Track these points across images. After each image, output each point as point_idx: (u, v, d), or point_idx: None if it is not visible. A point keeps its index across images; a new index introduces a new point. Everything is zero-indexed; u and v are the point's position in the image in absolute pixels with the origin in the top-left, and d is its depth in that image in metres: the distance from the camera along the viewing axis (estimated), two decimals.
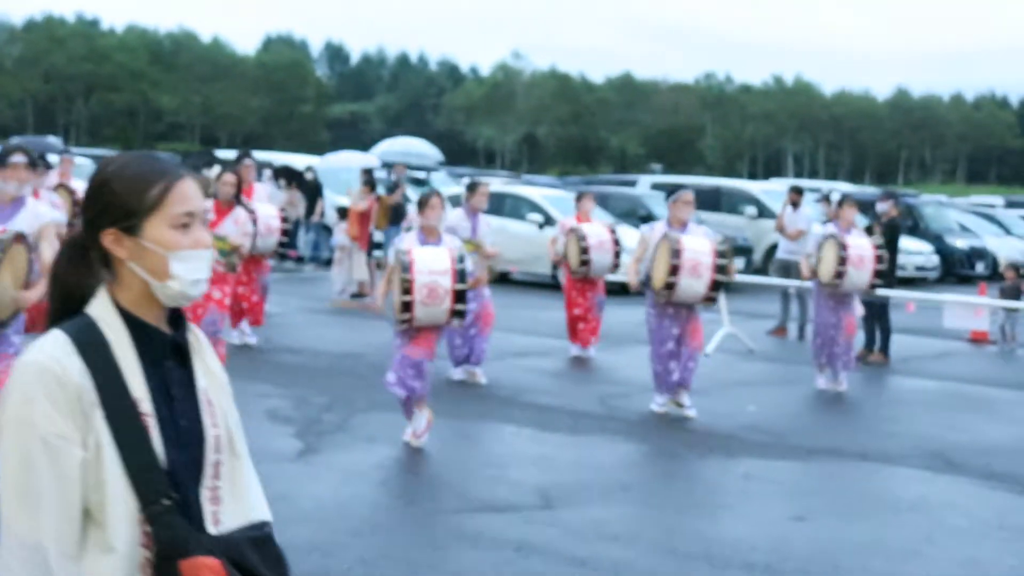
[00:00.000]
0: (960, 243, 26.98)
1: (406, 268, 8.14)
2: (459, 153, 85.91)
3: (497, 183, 25.34)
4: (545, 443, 9.11)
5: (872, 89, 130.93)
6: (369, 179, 18.06)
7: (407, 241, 8.60)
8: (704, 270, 9.65)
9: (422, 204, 8.74)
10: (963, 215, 30.07)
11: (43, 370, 2.12)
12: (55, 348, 2.15)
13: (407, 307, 8.12)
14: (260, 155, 27.69)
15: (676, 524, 7.09)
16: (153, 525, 2.12)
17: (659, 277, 9.79)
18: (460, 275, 8.24)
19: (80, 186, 17.11)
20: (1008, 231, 29.71)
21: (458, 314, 8.29)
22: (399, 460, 8.21)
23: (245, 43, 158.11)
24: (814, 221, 16.89)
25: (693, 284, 9.64)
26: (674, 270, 9.57)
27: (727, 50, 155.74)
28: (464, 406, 10.13)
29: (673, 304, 9.91)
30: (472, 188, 11.46)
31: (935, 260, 25.13)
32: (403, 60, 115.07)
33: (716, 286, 9.75)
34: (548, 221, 19.90)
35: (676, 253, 9.60)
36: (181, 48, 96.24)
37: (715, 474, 8.59)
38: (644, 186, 27.33)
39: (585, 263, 12.97)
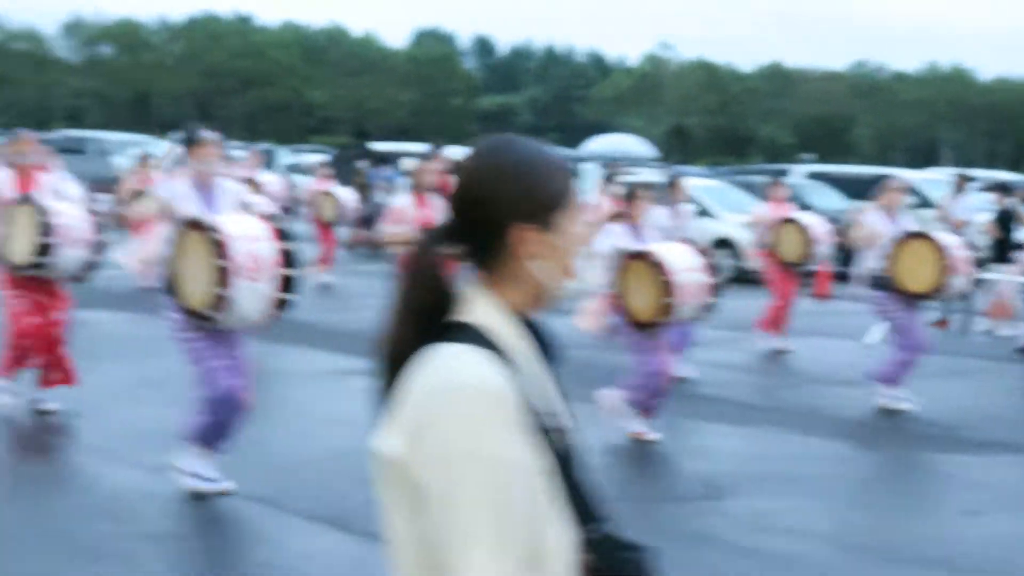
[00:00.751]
0: None
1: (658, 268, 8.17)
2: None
3: (646, 175, 25.21)
4: (710, 433, 9.05)
5: None
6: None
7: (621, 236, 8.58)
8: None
9: (630, 197, 8.74)
10: None
11: (484, 393, 1.75)
12: (481, 366, 1.79)
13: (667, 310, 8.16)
14: (411, 146, 28.10)
15: (846, 517, 6.97)
16: (595, 553, 1.90)
17: (921, 278, 9.52)
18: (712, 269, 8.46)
19: (271, 179, 17.45)
20: None
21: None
22: None
23: (395, 37, 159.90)
24: (977, 211, 16.49)
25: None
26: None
27: (879, 38, 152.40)
28: None
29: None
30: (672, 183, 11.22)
31: None
32: (550, 52, 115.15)
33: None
34: (704, 212, 19.60)
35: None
36: (333, 43, 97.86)
37: (885, 468, 8.44)
38: (798, 175, 26.90)
39: (807, 255, 12.61)
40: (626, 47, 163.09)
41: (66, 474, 7.37)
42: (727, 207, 20.23)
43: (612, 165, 17.88)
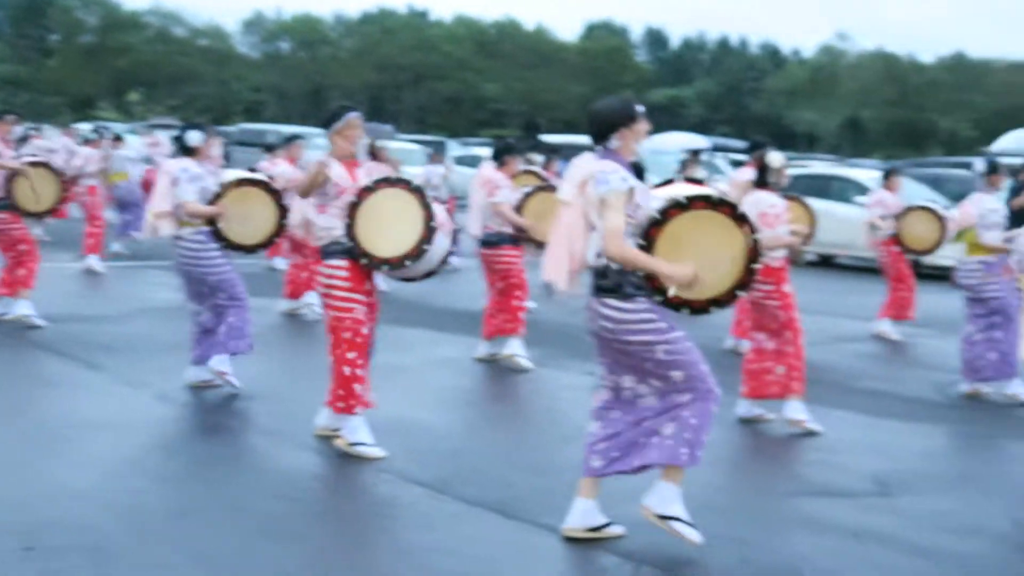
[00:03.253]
0: None
1: None
2: (778, 137, 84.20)
3: (819, 167, 24.85)
4: (879, 429, 8.85)
5: None
6: (686, 161, 17.91)
7: None
8: None
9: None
10: None
11: None
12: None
13: None
14: (581, 139, 28.15)
15: (1021, 516, 6.74)
16: None
17: None
18: None
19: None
20: None
21: None
22: (728, 441, 8.14)
23: (567, 30, 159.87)
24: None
25: None
26: None
27: None
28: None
29: None
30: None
31: None
32: (723, 44, 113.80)
33: None
34: None
35: None
36: (505, 37, 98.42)
37: (974, 458, 8.17)
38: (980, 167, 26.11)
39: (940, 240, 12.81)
40: (801, 38, 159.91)
41: (242, 455, 7.56)
42: (909, 198, 19.84)
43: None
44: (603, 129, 5.67)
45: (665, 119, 78.95)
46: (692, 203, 5.60)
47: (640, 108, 5.76)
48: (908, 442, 8.47)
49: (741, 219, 5.66)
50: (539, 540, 5.95)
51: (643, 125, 5.75)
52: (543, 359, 10.75)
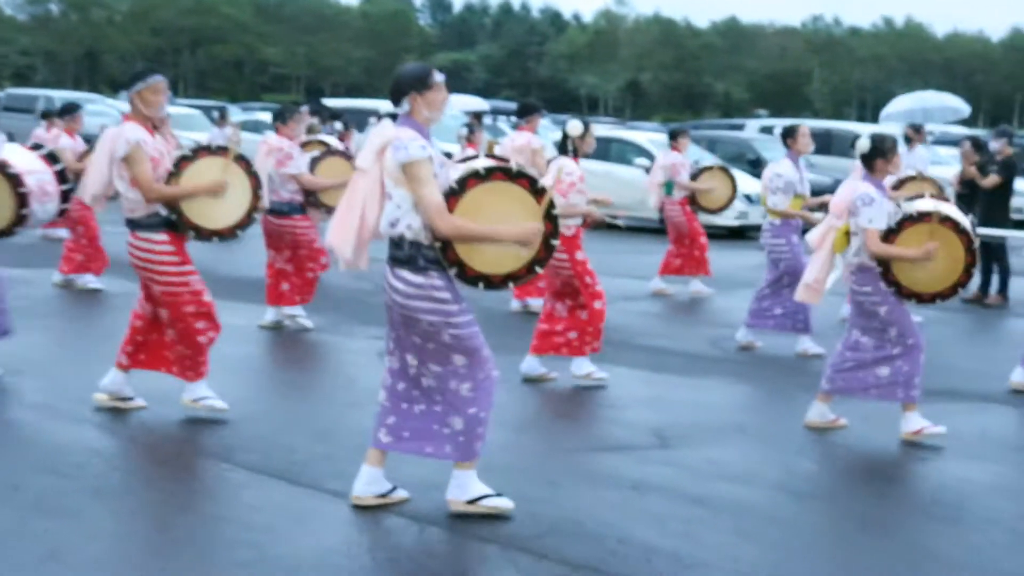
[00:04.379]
0: None
1: None
2: (561, 101, 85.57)
3: (601, 130, 25.25)
4: (659, 384, 9.08)
5: (986, 30, 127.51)
6: (471, 124, 17.97)
7: None
8: None
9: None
10: None
11: None
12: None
13: None
14: (366, 103, 27.99)
15: (793, 464, 7.01)
16: None
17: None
18: None
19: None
20: None
21: None
22: (515, 401, 8.22)
23: None
24: (929, 163, 16.55)
25: None
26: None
27: None
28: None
29: None
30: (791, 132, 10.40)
31: None
32: (505, 8, 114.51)
33: None
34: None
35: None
36: (286, 0, 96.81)
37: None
38: (752, 130, 27.00)
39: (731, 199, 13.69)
40: (581, 3, 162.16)
41: (13, 430, 7.28)
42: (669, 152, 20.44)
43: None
44: (395, 94, 5.57)
45: (450, 83, 78.79)
46: (491, 174, 5.54)
47: (438, 76, 5.63)
48: (686, 396, 8.71)
49: (539, 192, 5.58)
50: (324, 505, 5.92)
51: (437, 93, 5.61)
52: (330, 325, 10.68)
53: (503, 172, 5.57)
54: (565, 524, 5.75)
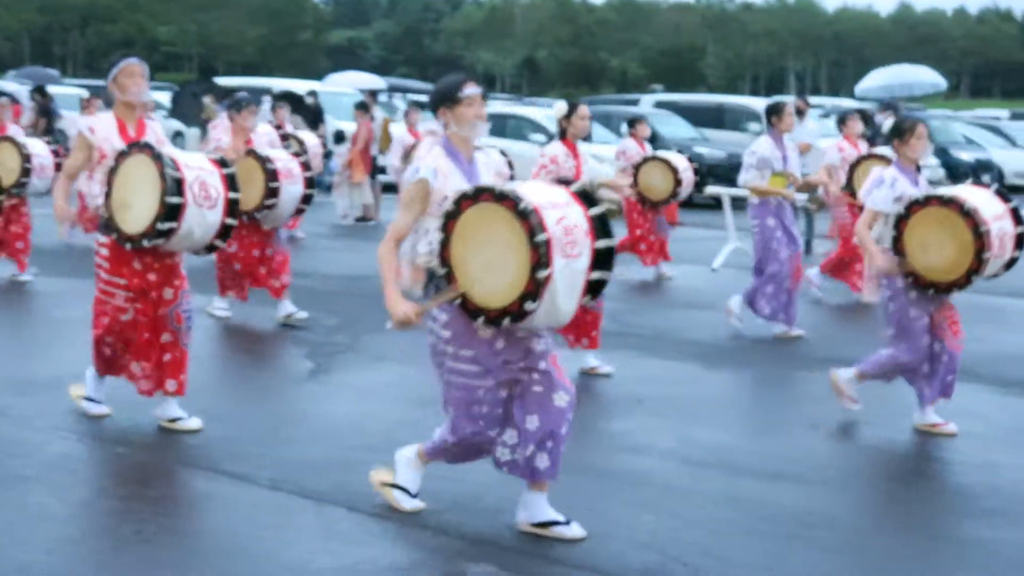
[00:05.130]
0: (965, 156, 26.82)
1: None
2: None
3: (498, 106, 25.26)
4: (561, 361, 9.06)
5: (875, 5, 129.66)
6: (364, 102, 17.88)
7: None
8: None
9: (903, 132, 7.22)
10: (968, 128, 29.85)
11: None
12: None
13: None
14: (259, 81, 27.61)
15: (689, 435, 7.05)
16: None
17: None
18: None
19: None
20: (1014, 143, 29.57)
21: None
22: (409, 377, 8.19)
23: None
24: (819, 136, 16.80)
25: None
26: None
27: None
28: None
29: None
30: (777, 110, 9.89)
31: (941, 173, 24.99)
32: None
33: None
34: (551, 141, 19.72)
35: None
36: None
37: (732, 387, 8.59)
38: (647, 105, 27.16)
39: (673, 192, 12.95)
40: None
41: None
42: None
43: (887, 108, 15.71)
44: (432, 110, 5.17)
45: (346, 60, 78.35)
46: (479, 195, 4.89)
47: (469, 89, 5.12)
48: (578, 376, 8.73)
49: (523, 215, 4.75)
50: (228, 489, 5.85)
51: (468, 108, 5.09)
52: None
53: (490, 193, 4.87)
54: (465, 500, 5.73)
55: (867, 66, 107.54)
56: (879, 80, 21.74)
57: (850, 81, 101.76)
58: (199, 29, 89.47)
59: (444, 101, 5.12)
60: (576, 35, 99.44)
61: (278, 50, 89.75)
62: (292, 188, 9.56)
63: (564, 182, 5.12)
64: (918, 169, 7.27)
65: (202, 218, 6.26)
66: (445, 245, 4.91)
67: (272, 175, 9.28)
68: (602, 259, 4.90)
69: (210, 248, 6.52)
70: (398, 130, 16.43)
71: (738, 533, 5.42)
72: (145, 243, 6.23)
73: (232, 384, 8.36)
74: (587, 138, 10.30)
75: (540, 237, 4.68)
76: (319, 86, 26.02)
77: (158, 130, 6.72)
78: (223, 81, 26.09)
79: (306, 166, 9.82)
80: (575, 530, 5.21)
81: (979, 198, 6.91)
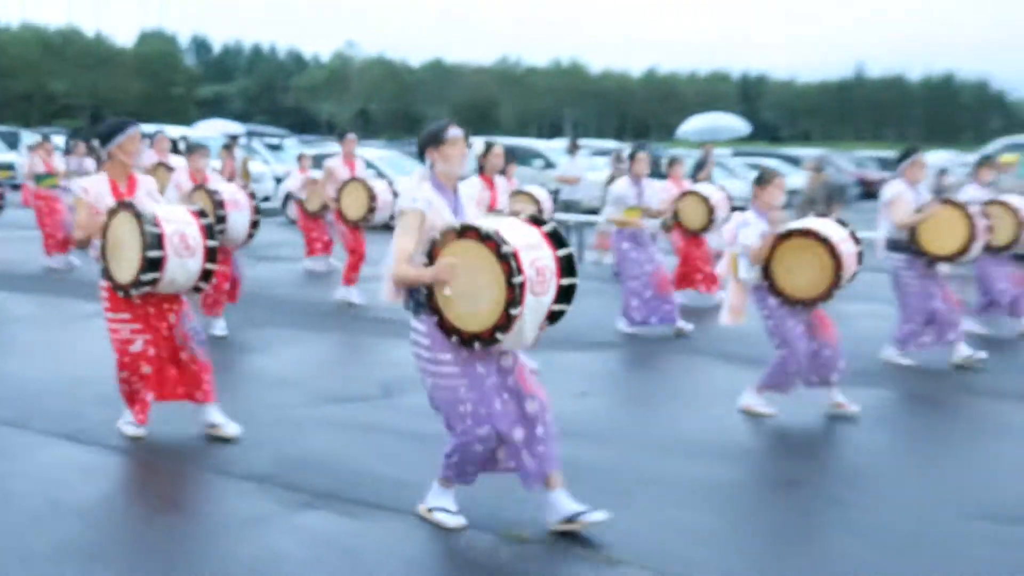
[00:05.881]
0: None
1: None
2: (306, 125, 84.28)
3: (335, 149, 25.00)
4: (385, 347, 9.08)
5: (630, 68, 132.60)
6: (228, 144, 17.45)
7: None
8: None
9: (764, 181, 6.92)
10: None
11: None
12: None
13: None
14: (143, 127, 26.64)
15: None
16: None
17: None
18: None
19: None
20: (733, 174, 30.70)
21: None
22: (270, 367, 8.10)
23: (124, 36, 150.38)
24: (588, 169, 17.23)
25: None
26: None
27: (518, 36, 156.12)
28: (323, 323, 10.04)
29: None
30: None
31: None
32: (257, 49, 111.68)
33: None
34: (380, 176, 19.71)
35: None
36: (69, 42, 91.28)
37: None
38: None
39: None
40: (319, 45, 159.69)
41: None
42: (398, 171, 20.62)
43: (706, 147, 15.40)
44: (420, 152, 4.82)
45: (212, 110, 76.56)
46: (465, 232, 4.55)
47: (453, 132, 4.76)
48: (405, 353, 8.73)
49: (503, 258, 4.43)
50: (107, 460, 5.70)
51: (452, 147, 4.74)
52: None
53: (476, 232, 4.51)
54: (310, 461, 5.72)
55: (624, 116, 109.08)
56: (695, 124, 21.29)
57: (613, 127, 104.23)
58: (89, 84, 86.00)
59: (431, 142, 4.77)
60: (400, 91, 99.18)
61: (156, 101, 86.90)
62: (238, 215, 8.91)
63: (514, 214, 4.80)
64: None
65: (183, 267, 5.82)
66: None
67: (219, 204, 8.81)
68: (565, 293, 4.65)
69: (196, 289, 6.04)
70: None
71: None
72: (133, 292, 5.83)
73: None
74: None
75: (517, 279, 4.40)
76: (190, 131, 25.32)
77: (150, 183, 6.19)
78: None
79: (252, 196, 9.20)
80: (598, 515, 4.70)
81: (827, 227, 6.89)
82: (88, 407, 6.67)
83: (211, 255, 5.95)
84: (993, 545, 4.76)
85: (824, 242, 6.71)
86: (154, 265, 5.73)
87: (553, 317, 4.66)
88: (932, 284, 8.46)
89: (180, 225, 5.87)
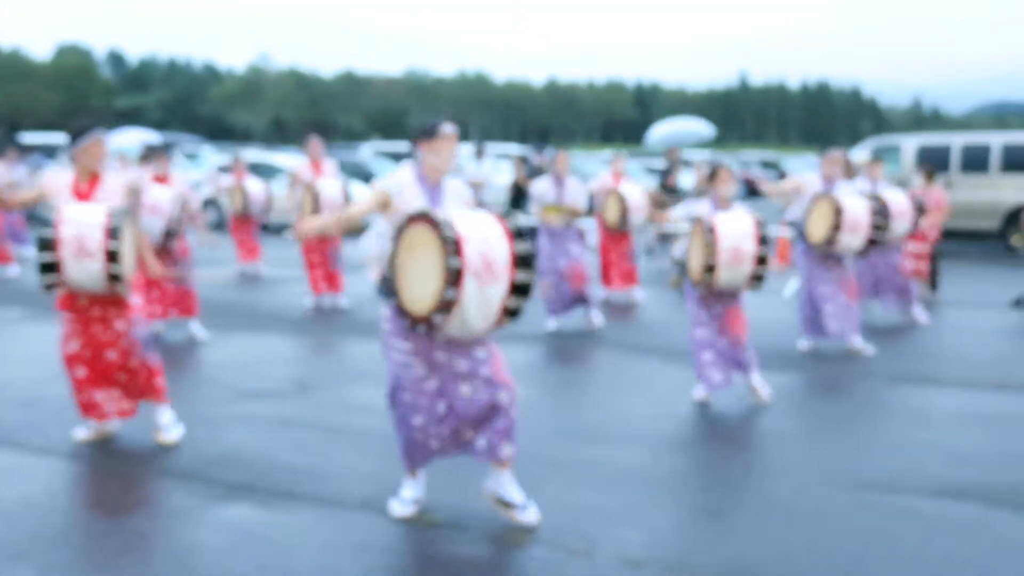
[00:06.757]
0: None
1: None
2: (223, 132, 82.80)
3: (253, 155, 24.49)
4: (299, 347, 8.87)
5: (531, 78, 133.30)
6: (147, 153, 16.89)
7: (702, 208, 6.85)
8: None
9: (713, 176, 6.83)
10: (599, 165, 30.97)
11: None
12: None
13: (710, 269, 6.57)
14: (56, 137, 25.79)
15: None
16: None
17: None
18: (762, 240, 6.62)
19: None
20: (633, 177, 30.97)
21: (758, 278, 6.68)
22: (189, 366, 7.81)
23: (40, 50, 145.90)
24: (494, 172, 17.15)
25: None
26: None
27: (423, 48, 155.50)
28: (240, 323, 9.76)
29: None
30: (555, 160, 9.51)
31: None
32: (173, 62, 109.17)
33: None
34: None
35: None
36: None
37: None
38: (367, 152, 26.99)
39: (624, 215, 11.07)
40: (234, 58, 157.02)
41: None
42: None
43: (670, 152, 14.85)
44: (411, 143, 4.69)
45: (130, 122, 74.71)
46: (421, 218, 4.35)
47: (446, 128, 4.65)
48: (321, 353, 8.54)
49: (444, 242, 4.22)
50: (26, 461, 5.39)
51: (443, 142, 4.63)
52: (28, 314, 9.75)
53: (429, 218, 4.32)
54: (226, 456, 5.50)
55: (527, 122, 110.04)
56: (660, 133, 20.16)
57: (517, 133, 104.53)
58: (5, 97, 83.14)
59: (424, 135, 4.64)
60: (312, 100, 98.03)
61: (73, 113, 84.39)
62: (150, 221, 8.51)
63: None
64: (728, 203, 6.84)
65: (81, 268, 5.42)
66: (394, 252, 4.41)
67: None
68: (519, 289, 4.35)
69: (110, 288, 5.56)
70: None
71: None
72: (54, 291, 5.54)
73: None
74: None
75: (454, 263, 4.17)
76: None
77: (113, 182, 5.82)
78: (27, 137, 24.28)
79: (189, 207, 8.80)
80: (530, 516, 4.60)
81: (732, 222, 6.61)
82: (9, 410, 6.33)
83: (112, 256, 5.53)
84: (875, 514, 4.78)
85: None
86: (51, 268, 5.43)
87: (511, 313, 4.38)
88: (824, 271, 8.48)
89: (81, 227, 5.50)
